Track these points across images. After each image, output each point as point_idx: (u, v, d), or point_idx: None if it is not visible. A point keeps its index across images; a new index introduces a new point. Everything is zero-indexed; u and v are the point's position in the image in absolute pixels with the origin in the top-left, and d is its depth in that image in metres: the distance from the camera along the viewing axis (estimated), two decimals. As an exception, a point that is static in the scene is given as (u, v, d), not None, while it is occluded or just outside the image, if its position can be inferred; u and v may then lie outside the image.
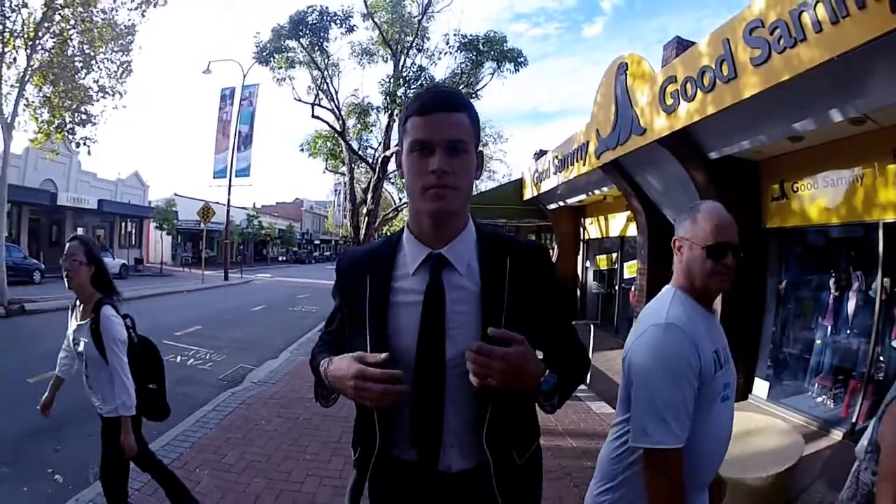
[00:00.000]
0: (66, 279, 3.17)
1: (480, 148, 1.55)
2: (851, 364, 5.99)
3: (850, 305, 6.03)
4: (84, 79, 15.26)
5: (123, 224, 38.63)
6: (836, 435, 5.70)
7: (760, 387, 7.20)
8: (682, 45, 7.17)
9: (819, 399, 6.33)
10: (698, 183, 7.04)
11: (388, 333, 1.49)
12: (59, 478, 4.89)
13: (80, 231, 31.39)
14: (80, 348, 3.21)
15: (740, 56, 5.33)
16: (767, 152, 6.61)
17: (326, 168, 22.72)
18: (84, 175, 33.43)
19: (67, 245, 3.15)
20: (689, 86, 6.12)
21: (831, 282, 6.33)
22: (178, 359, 9.84)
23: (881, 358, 5.60)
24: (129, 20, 15.69)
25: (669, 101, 6.53)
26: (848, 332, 6.14)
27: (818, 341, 6.49)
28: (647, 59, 7.38)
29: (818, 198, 6.26)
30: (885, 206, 5.45)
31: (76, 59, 14.86)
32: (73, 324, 3.31)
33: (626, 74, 7.68)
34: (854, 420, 5.62)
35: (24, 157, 26.14)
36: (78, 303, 3.32)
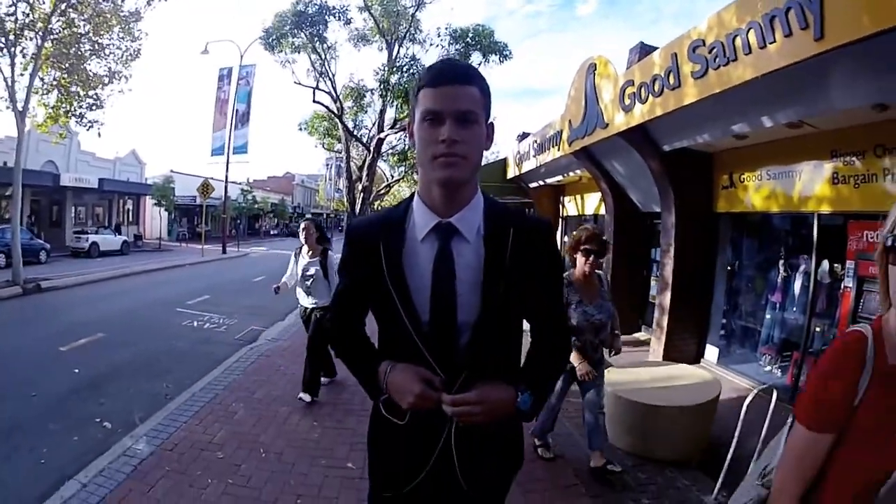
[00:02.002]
0: (304, 239, 6.32)
1: (491, 120, 1.58)
2: (795, 337, 6.75)
3: (796, 285, 6.79)
4: (91, 64, 15.65)
5: (122, 201, 38.99)
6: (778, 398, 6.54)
7: (711, 352, 8.12)
8: (644, 51, 8.00)
9: (766, 368, 7.15)
10: (654, 170, 8.00)
11: (411, 298, 1.54)
12: (108, 424, 5.55)
13: (81, 209, 32.25)
14: (311, 272, 6.14)
15: (684, 69, 6.13)
16: (718, 146, 7.45)
17: (323, 146, 23.50)
18: (83, 155, 33.78)
19: (303, 224, 6.50)
20: (643, 90, 6.98)
21: (780, 262, 7.09)
22: (195, 323, 10.77)
23: (816, 331, 6.36)
24: (136, 7, 16.02)
25: (627, 101, 7.41)
26: (791, 308, 6.89)
27: (767, 315, 7.30)
28: (612, 62, 8.21)
29: (762, 188, 7.10)
30: (820, 199, 6.23)
31: (85, 45, 15.20)
32: (303, 260, 6.25)
33: (594, 74, 8.53)
34: (793, 386, 6.41)
35: (25, 139, 26.39)
36: (305, 250, 6.29)
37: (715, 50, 5.60)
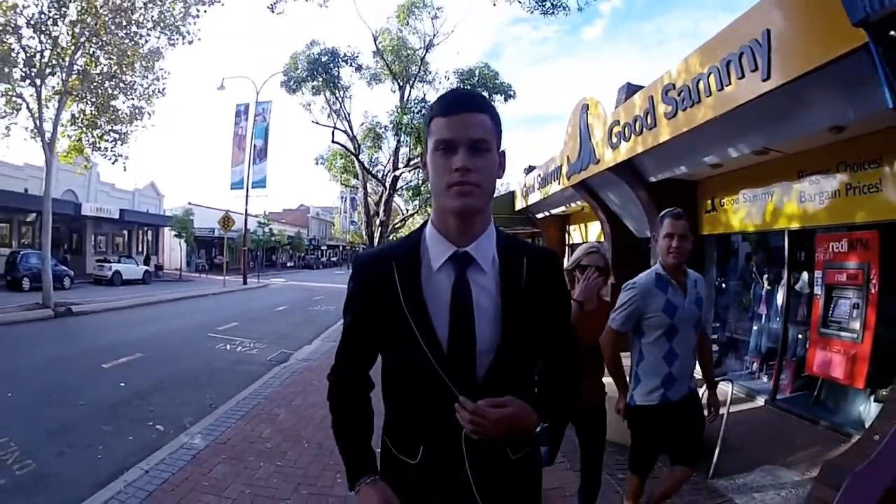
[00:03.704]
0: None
1: (502, 149, 1.57)
2: (777, 345, 7.11)
3: (775, 297, 7.27)
4: (117, 100, 16.24)
5: (140, 232, 40.11)
6: (760, 400, 7.00)
7: None
8: (631, 90, 8.59)
9: (755, 375, 7.59)
10: (642, 199, 8.72)
11: (433, 326, 1.50)
12: (160, 427, 6.15)
13: (101, 238, 33.20)
14: None
15: (659, 110, 6.81)
16: (700, 175, 8.06)
17: (340, 182, 24.58)
18: (103, 185, 34.86)
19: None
20: (626, 129, 7.76)
21: (761, 277, 7.64)
22: (228, 346, 11.56)
23: (793, 338, 6.85)
24: (157, 46, 16.56)
25: (615, 139, 8.21)
26: (772, 318, 7.35)
27: (754, 327, 7.76)
28: (601, 102, 9.05)
29: (739, 210, 7.68)
30: (790, 217, 6.70)
31: (108, 82, 15.79)
32: None
33: (587, 114, 9.39)
34: (774, 388, 6.88)
35: (44, 168, 27.33)
36: None
37: (682, 93, 6.23)
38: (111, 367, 9.04)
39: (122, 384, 7.95)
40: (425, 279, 1.54)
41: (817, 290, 6.20)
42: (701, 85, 5.88)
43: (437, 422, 1.51)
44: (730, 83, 5.41)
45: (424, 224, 1.66)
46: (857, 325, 5.63)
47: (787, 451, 5.36)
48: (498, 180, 1.60)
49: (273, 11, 15.49)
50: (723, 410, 4.78)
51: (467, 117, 1.45)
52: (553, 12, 9.37)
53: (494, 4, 13.19)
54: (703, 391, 3.74)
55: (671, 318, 3.24)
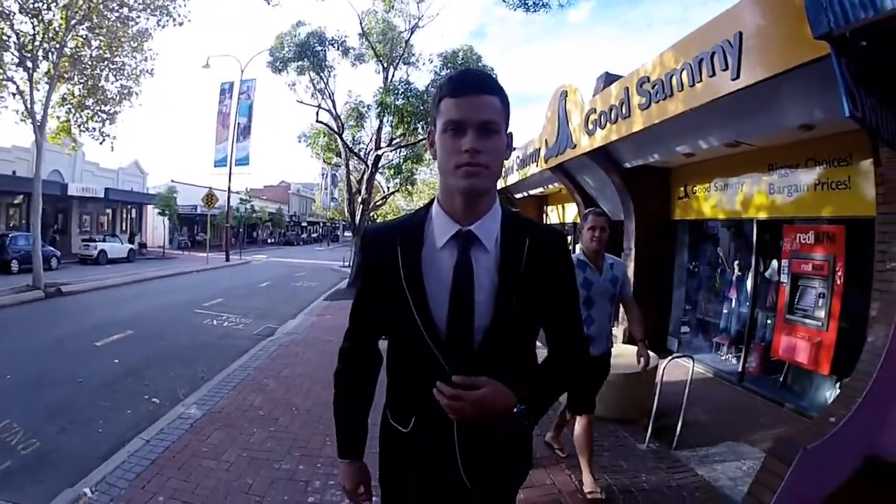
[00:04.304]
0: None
1: (510, 130, 1.56)
2: (742, 328, 7.53)
3: (744, 282, 7.62)
4: (107, 81, 16.30)
5: (125, 210, 39.87)
6: (727, 382, 7.40)
7: (672, 343, 9.08)
8: (609, 80, 8.92)
9: (723, 356, 7.98)
10: (616, 183, 9.14)
11: (428, 304, 1.53)
12: (156, 400, 6.50)
13: (86, 218, 33.06)
14: None
15: (633, 101, 7.16)
16: (674, 162, 8.42)
17: (323, 160, 24.73)
18: (88, 165, 34.48)
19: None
20: (602, 117, 8.11)
21: (732, 263, 7.99)
22: (214, 322, 11.89)
23: (759, 324, 7.19)
24: (145, 27, 16.60)
25: (591, 126, 8.57)
26: (741, 302, 7.70)
27: (724, 310, 8.10)
28: (580, 90, 9.40)
29: (711, 198, 8.09)
30: (758, 207, 7.08)
31: (99, 64, 15.87)
32: None
33: (565, 100, 9.73)
34: (741, 370, 7.26)
35: (32, 150, 27.04)
36: None
37: (656, 86, 6.57)
38: (104, 345, 9.29)
39: (116, 361, 8.22)
40: (429, 256, 1.56)
41: (783, 279, 6.54)
42: (674, 80, 6.20)
43: (429, 397, 1.52)
44: (701, 80, 5.70)
45: (431, 202, 1.67)
46: (822, 313, 5.95)
47: (750, 429, 5.68)
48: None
49: (269, 3, 15.55)
50: (685, 387, 5.39)
51: (477, 99, 1.46)
52: (535, 10, 9.63)
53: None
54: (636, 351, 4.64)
55: (588, 292, 4.18)
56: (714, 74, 5.46)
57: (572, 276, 1.72)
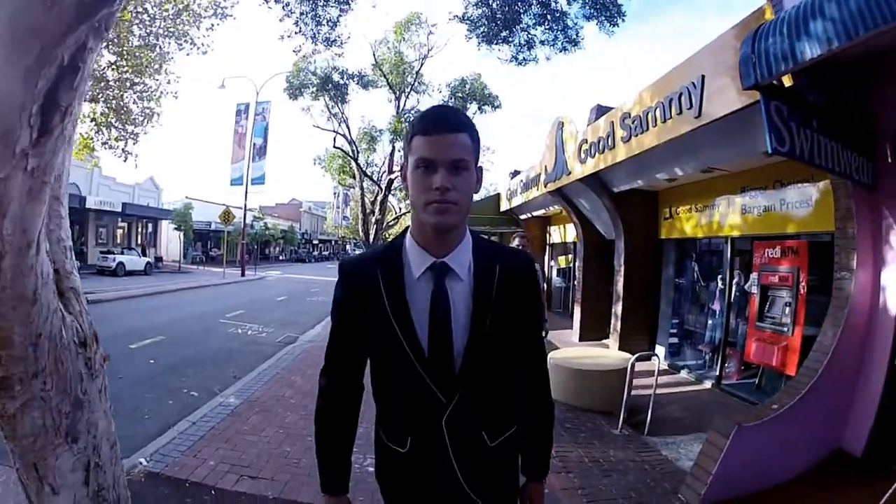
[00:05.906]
0: None
1: (479, 164, 1.61)
2: (720, 336, 8.09)
3: (723, 294, 8.12)
4: (132, 103, 16.61)
5: (140, 224, 40.75)
6: (707, 384, 8.06)
7: (660, 351, 9.62)
8: (600, 111, 9.64)
9: (704, 363, 8.59)
10: (607, 206, 9.96)
11: (414, 330, 1.59)
12: (195, 393, 7.23)
13: (102, 231, 33.94)
14: None
15: (617, 134, 7.94)
16: (658, 186, 9.24)
17: (338, 182, 25.81)
18: (104, 179, 35.32)
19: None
20: (592, 148, 8.95)
21: (714, 277, 8.53)
22: (239, 331, 12.71)
23: (737, 333, 7.73)
24: (167, 51, 16.81)
25: (582, 156, 9.41)
26: (720, 313, 8.20)
27: (709, 321, 8.57)
28: (574, 121, 10.30)
29: (691, 219, 8.86)
30: (732, 226, 7.77)
31: (128, 90, 16.22)
32: None
33: (561, 130, 10.61)
34: (719, 374, 7.92)
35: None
36: None
37: (636, 122, 7.32)
38: (138, 348, 10.00)
39: (152, 361, 9.00)
40: (408, 286, 1.62)
41: (754, 290, 7.10)
42: (650, 116, 6.95)
43: (420, 416, 1.63)
44: (671, 117, 6.44)
45: (404, 233, 1.72)
46: (788, 320, 6.46)
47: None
48: (476, 190, 1.65)
49: (297, 54, 16.44)
50: (651, 380, 6.21)
51: (447, 138, 1.49)
52: (524, 64, 10.77)
53: (479, 49, 14.20)
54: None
55: None
56: (681, 112, 6.19)
57: (539, 297, 1.86)
